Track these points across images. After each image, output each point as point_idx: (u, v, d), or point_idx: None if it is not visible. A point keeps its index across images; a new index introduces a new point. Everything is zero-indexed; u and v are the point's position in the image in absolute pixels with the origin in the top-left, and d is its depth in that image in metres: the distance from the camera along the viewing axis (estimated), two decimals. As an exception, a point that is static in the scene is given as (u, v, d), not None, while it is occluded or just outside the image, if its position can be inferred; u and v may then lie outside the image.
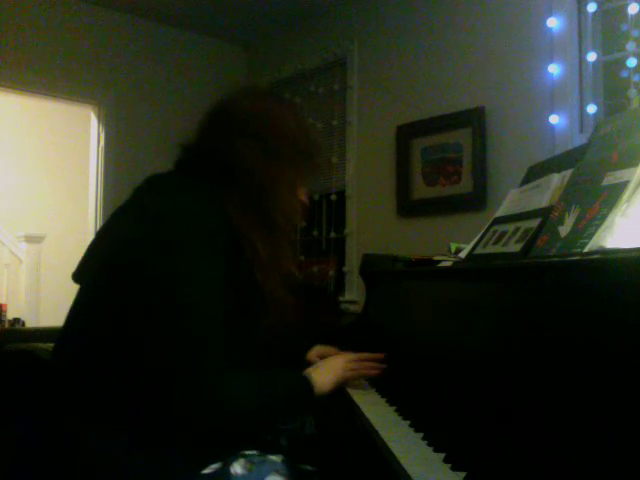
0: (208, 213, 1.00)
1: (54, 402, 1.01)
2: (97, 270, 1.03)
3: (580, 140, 2.56)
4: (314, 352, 1.47)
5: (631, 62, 2.48)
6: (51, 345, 1.08)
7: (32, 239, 4.40)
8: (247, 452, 0.99)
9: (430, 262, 1.69)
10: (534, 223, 1.15)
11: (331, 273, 3.74)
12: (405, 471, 0.80)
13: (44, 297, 4.42)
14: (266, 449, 1.02)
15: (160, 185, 1.07)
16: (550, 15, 2.75)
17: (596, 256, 0.86)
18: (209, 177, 1.07)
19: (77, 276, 1.08)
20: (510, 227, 1.25)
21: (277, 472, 0.96)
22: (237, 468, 0.95)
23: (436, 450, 0.87)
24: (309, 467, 1.02)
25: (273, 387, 1.07)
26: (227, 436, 1.01)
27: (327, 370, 1.19)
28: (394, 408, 1.13)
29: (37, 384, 1.08)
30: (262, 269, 1.06)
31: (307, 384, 1.11)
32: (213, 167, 1.08)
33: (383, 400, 1.20)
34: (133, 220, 1.03)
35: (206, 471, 0.96)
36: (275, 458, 1.00)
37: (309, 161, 1.19)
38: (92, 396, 0.97)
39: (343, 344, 1.51)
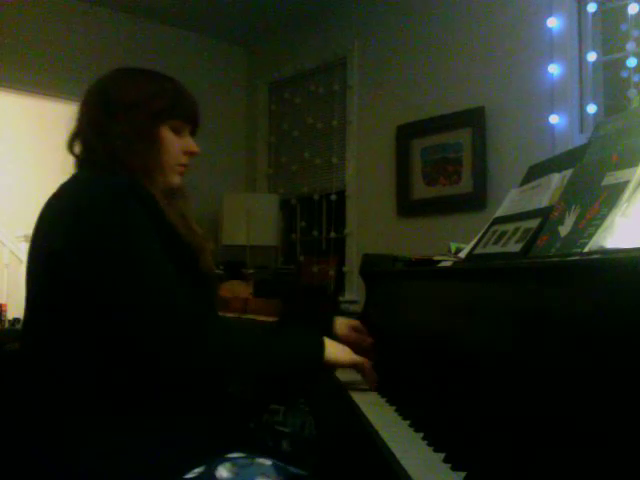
0: (110, 190, 1.02)
1: (29, 400, 1.01)
2: (35, 281, 1.06)
3: (580, 140, 2.56)
4: (342, 325, 1.44)
5: (631, 62, 2.48)
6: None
7: (32, 239, 4.39)
8: (234, 455, 0.98)
9: (430, 262, 1.69)
10: (534, 223, 1.14)
11: (331, 273, 3.74)
12: (405, 471, 0.79)
13: (44, 297, 4.41)
14: (261, 454, 1.01)
15: (65, 185, 1.11)
16: (550, 15, 2.75)
17: (596, 256, 0.86)
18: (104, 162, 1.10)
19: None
20: (510, 227, 1.25)
21: (264, 475, 0.94)
22: (222, 471, 0.94)
23: (436, 450, 0.87)
24: (300, 471, 1.01)
25: (283, 336, 1.12)
26: (216, 379, 1.03)
27: (341, 346, 1.21)
28: (394, 408, 1.13)
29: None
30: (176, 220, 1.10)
31: (319, 343, 1.14)
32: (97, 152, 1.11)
33: (383, 400, 1.20)
34: (52, 225, 1.05)
35: (190, 475, 0.94)
36: (264, 461, 0.98)
37: (172, 110, 1.17)
38: (69, 394, 0.97)
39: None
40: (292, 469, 0.99)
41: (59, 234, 1.01)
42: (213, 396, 1.07)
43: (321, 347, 1.14)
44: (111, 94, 1.13)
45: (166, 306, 0.96)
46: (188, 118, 1.19)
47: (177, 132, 1.17)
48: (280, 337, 1.11)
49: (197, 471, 0.95)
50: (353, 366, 1.23)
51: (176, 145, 1.17)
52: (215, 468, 0.94)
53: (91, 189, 1.03)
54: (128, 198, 1.00)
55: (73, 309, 0.98)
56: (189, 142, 1.20)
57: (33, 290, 1.06)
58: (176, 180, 1.19)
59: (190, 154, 1.20)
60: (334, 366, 1.18)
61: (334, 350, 1.16)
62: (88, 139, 1.13)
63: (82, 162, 1.16)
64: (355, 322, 1.47)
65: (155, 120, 1.14)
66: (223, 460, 0.96)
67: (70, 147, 1.17)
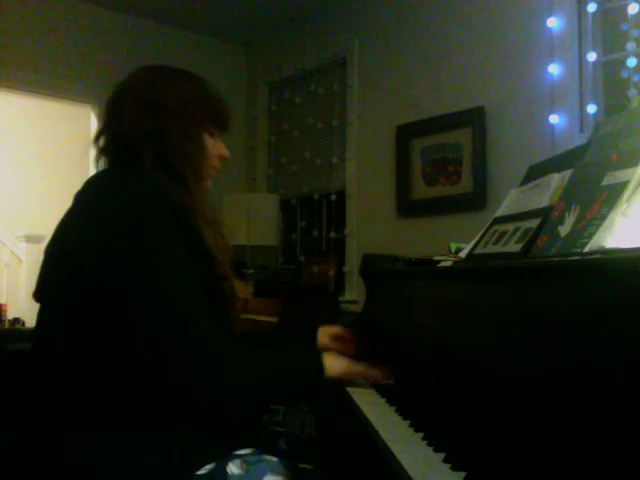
0: (151, 197, 0.99)
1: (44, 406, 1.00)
2: (59, 286, 1.01)
3: (580, 140, 2.56)
4: (324, 334, 1.46)
5: (631, 62, 2.48)
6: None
7: (32, 239, 4.40)
8: (242, 452, 0.99)
9: (430, 262, 1.69)
10: (534, 223, 1.14)
11: (331, 273, 3.74)
12: (405, 471, 0.79)
13: (44, 297, 4.40)
14: (264, 451, 1.02)
15: (100, 183, 1.07)
16: (550, 15, 2.75)
17: (596, 256, 0.86)
18: (140, 164, 1.07)
19: (38, 295, 1.06)
20: (510, 227, 1.25)
21: (274, 471, 0.95)
22: (233, 468, 0.94)
23: (436, 450, 0.87)
24: (307, 466, 1.02)
25: (284, 357, 1.12)
26: (230, 414, 1.02)
27: (339, 358, 1.23)
28: (394, 408, 1.13)
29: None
30: (206, 230, 1.08)
31: (319, 361, 1.15)
32: (136, 152, 1.08)
33: (383, 400, 1.20)
34: (83, 226, 1.00)
35: (201, 471, 0.95)
36: (272, 458, 0.99)
37: (212, 115, 1.18)
38: (85, 399, 0.96)
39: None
40: (299, 465, 1.00)
41: (88, 238, 0.97)
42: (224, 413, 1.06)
43: (320, 364, 1.15)
44: (155, 95, 1.12)
45: (190, 331, 0.95)
46: (224, 124, 1.21)
47: (212, 136, 1.19)
48: (284, 360, 1.12)
49: (208, 467, 0.95)
50: (355, 374, 1.25)
51: (212, 150, 1.18)
52: (226, 464, 0.95)
53: (129, 196, 0.99)
54: (163, 211, 0.98)
55: (90, 311, 0.96)
56: (222, 146, 1.21)
57: (48, 288, 1.04)
58: (209, 185, 1.20)
59: (222, 158, 1.21)
60: (334, 382, 1.19)
61: (332, 362, 1.18)
62: (130, 139, 1.09)
63: (118, 160, 1.12)
64: (338, 330, 1.47)
65: (200, 124, 1.15)
66: (233, 457, 0.97)
67: (97, 142, 1.15)
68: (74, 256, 0.98)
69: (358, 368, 1.26)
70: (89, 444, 0.94)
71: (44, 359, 1.01)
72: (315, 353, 1.19)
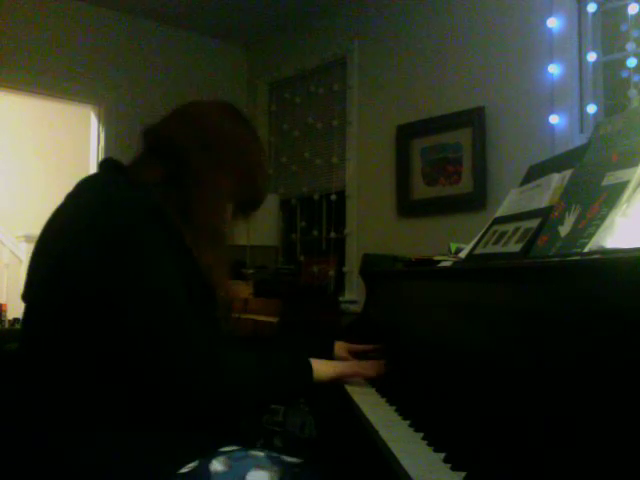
0: (146, 202, 0.99)
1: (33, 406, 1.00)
2: (54, 287, 1.00)
3: (580, 140, 2.56)
4: (341, 349, 1.48)
5: (631, 62, 2.48)
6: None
7: (32, 239, 4.39)
8: (227, 449, 0.98)
9: (430, 262, 1.69)
10: (534, 223, 1.14)
11: (331, 273, 3.74)
12: (405, 471, 0.79)
13: (44, 297, 4.40)
14: (252, 447, 1.01)
15: (96, 187, 1.07)
16: (550, 15, 2.75)
17: (596, 256, 0.86)
18: (151, 176, 1.08)
19: (28, 296, 1.06)
20: (510, 227, 1.25)
21: (259, 467, 0.94)
22: (217, 465, 0.93)
23: (436, 450, 0.87)
24: (294, 459, 1.01)
25: (274, 364, 1.13)
26: (222, 415, 1.03)
27: (329, 362, 1.26)
28: (394, 408, 1.13)
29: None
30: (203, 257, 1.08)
31: (308, 366, 1.17)
32: (163, 166, 1.10)
33: (383, 400, 1.20)
34: (79, 228, 1.00)
35: (184, 470, 0.94)
36: (258, 453, 0.98)
37: (252, 190, 1.23)
38: (71, 398, 0.96)
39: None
40: (286, 458, 0.99)
41: (85, 240, 0.97)
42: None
43: (310, 371, 1.17)
44: (218, 146, 1.14)
45: (180, 339, 0.95)
46: (248, 207, 1.28)
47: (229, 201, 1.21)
48: (274, 364, 1.13)
49: (191, 466, 0.94)
50: (344, 376, 1.27)
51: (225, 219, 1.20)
52: (209, 462, 0.94)
53: (126, 200, 0.99)
54: (158, 221, 0.99)
55: (85, 311, 0.96)
56: (228, 214, 1.23)
57: (42, 289, 1.03)
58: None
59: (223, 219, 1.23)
60: (323, 383, 1.21)
61: (321, 366, 1.20)
62: (164, 163, 1.10)
63: (132, 165, 1.13)
64: (354, 346, 1.50)
65: (232, 198, 1.19)
66: (217, 454, 0.96)
67: (146, 139, 1.15)
68: (70, 257, 0.98)
69: (350, 371, 1.28)
70: (86, 444, 0.94)
71: (41, 359, 1.01)
72: (303, 357, 1.20)
